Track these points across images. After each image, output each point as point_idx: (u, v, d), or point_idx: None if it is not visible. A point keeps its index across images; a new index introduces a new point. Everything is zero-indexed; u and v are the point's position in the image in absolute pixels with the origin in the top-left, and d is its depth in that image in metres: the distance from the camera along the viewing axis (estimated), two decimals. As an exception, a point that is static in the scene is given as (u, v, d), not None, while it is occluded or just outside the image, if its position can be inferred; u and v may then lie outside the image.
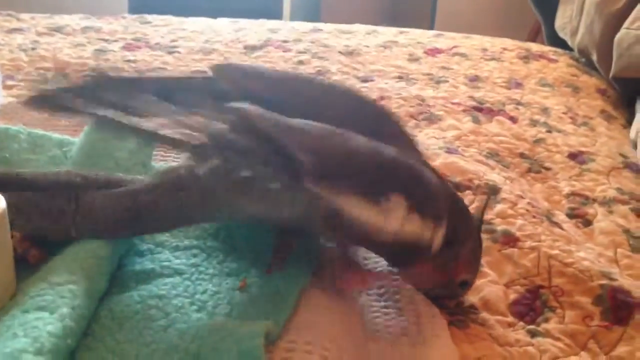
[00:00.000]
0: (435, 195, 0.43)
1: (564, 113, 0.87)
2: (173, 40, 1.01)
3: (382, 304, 0.47)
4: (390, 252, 0.44)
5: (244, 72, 0.50)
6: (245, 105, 0.42)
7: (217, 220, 0.50)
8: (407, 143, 0.50)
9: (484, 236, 0.51)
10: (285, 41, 1.05)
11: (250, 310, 0.42)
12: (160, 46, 0.99)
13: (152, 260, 0.47)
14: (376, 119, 0.49)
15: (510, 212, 0.60)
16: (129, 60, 0.91)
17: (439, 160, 0.68)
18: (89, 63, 0.89)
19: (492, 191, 0.63)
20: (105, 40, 0.99)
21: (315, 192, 0.40)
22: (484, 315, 0.48)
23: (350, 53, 1.02)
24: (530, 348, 0.46)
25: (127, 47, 0.97)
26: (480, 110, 0.85)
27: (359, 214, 0.41)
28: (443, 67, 0.98)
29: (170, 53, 0.96)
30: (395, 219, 0.41)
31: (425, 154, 0.51)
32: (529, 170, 0.72)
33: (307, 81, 0.55)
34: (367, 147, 0.43)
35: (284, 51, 1.00)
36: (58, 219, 0.44)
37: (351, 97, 0.52)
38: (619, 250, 0.60)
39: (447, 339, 0.44)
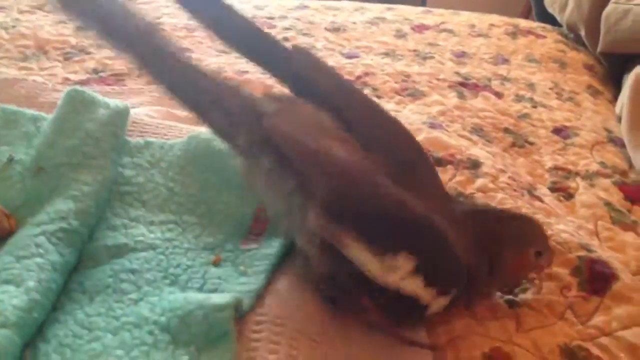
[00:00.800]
0: (449, 267, 0.40)
1: (550, 89, 0.87)
2: (157, 17, 1.00)
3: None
4: (382, 301, 0.40)
5: (318, 66, 0.50)
6: (277, 121, 0.41)
7: None
8: (439, 188, 0.47)
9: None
10: (270, 17, 1.04)
11: (223, 285, 0.42)
12: (144, 23, 0.97)
13: (125, 234, 0.46)
14: (415, 153, 0.47)
15: (491, 185, 0.60)
16: (110, 38, 0.90)
17: (422, 135, 0.67)
18: (70, 40, 0.87)
19: (474, 165, 0.63)
20: (88, 18, 0.98)
21: (322, 226, 0.39)
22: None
23: (336, 29, 1.01)
24: (507, 319, 0.46)
25: (110, 25, 0.96)
26: (466, 86, 0.84)
27: (361, 261, 0.38)
28: (430, 44, 0.97)
29: (153, 30, 0.95)
30: (396, 275, 0.39)
31: (454, 201, 0.49)
32: (513, 145, 0.72)
33: (367, 99, 0.53)
34: (393, 197, 0.40)
35: (269, 28, 0.99)
36: None
37: (399, 128, 0.50)
38: (599, 222, 0.60)
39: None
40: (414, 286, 0.39)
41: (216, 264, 0.44)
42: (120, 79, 0.77)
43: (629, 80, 0.82)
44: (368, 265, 0.39)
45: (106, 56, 0.83)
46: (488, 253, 0.43)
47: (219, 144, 0.53)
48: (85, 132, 0.50)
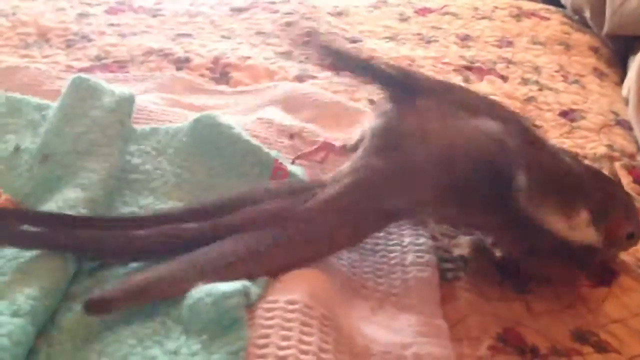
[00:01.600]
0: (608, 207, 0.47)
1: (555, 71, 0.86)
2: (157, 3, 0.99)
3: (375, 260, 0.47)
4: (573, 257, 0.47)
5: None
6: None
7: None
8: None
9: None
10: (272, 2, 1.03)
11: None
12: (144, 9, 0.97)
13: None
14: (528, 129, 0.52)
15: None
16: (112, 24, 0.89)
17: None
18: (71, 28, 0.87)
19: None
20: (88, 4, 0.97)
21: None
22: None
23: (339, 14, 1.00)
24: (516, 302, 0.46)
25: (110, 11, 0.95)
26: (471, 70, 0.83)
27: (556, 228, 0.45)
28: (433, 27, 0.96)
29: (154, 16, 0.94)
30: (581, 233, 0.45)
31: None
32: (519, 129, 0.71)
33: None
34: (562, 165, 0.47)
35: (271, 12, 0.98)
36: None
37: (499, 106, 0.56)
38: (608, 207, 0.60)
39: (437, 307, 0.44)
40: (591, 237, 0.46)
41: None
42: (123, 66, 0.76)
43: (635, 63, 0.81)
44: (562, 231, 0.45)
45: (109, 43, 0.82)
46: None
47: (224, 127, 0.52)
48: (91, 120, 0.50)
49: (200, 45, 0.83)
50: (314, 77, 0.76)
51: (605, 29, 0.94)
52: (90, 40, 0.83)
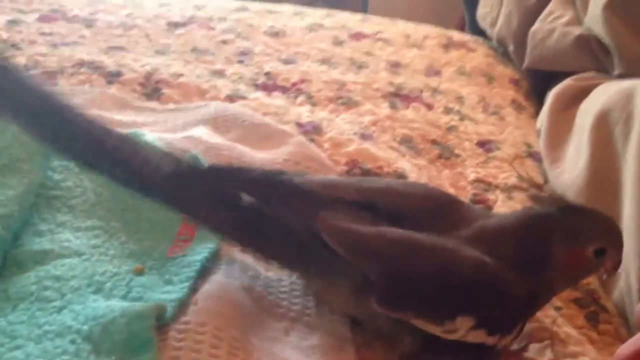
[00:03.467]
0: (505, 312, 0.42)
1: (477, 102, 0.91)
2: (92, 13, 0.98)
3: (292, 281, 0.49)
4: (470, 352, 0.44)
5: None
6: (326, 215, 0.43)
7: None
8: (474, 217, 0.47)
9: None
10: (210, 19, 1.04)
11: (148, 293, 0.43)
12: (79, 18, 0.96)
13: (51, 240, 0.46)
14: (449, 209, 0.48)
15: (415, 198, 0.63)
16: (43, 33, 0.88)
17: (352, 147, 0.70)
18: (1, 35, 0.85)
19: (400, 178, 0.66)
20: (21, 11, 0.95)
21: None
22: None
23: (275, 34, 1.02)
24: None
25: (43, 19, 0.94)
26: (398, 96, 0.87)
27: (426, 329, 0.42)
28: (366, 53, 1.00)
29: (88, 27, 0.94)
30: (458, 334, 0.42)
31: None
32: (440, 157, 0.75)
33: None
34: (442, 266, 0.42)
35: (207, 29, 0.99)
36: None
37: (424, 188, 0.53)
38: (514, 235, 0.64)
39: (347, 329, 0.45)
40: (478, 338, 0.42)
41: (138, 272, 0.45)
42: (51, 77, 0.76)
43: (548, 98, 0.87)
44: (432, 331, 0.42)
45: (39, 52, 0.81)
46: (533, 260, 0.43)
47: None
48: (11, 134, 0.50)
49: (133, 59, 0.83)
50: (244, 98, 0.78)
51: (526, 62, 1.00)
52: (19, 48, 0.82)
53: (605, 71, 0.89)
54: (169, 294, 0.42)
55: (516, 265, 0.42)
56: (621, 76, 0.85)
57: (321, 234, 0.42)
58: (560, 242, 0.42)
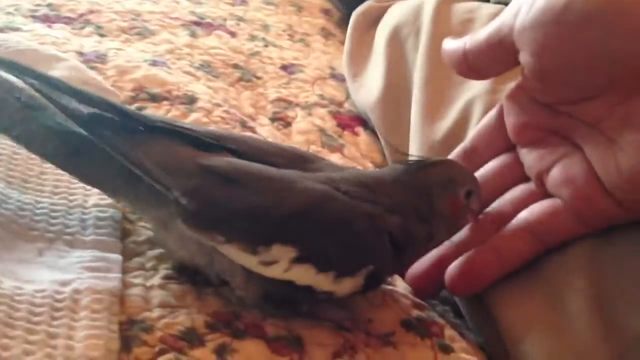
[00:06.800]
0: (342, 247, 0.38)
1: (283, 30, 0.90)
2: None
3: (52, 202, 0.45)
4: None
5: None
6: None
7: None
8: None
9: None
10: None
11: None
12: None
13: None
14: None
15: (204, 120, 0.60)
16: None
17: (139, 73, 0.65)
18: None
19: (190, 101, 0.63)
20: None
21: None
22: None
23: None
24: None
25: None
26: (200, 25, 0.83)
27: (243, 263, 0.38)
28: (167, -16, 0.94)
29: None
30: (278, 268, 0.37)
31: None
32: (240, 80, 0.73)
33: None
34: (266, 190, 0.38)
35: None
36: None
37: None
38: (312, 146, 0.64)
39: (115, 243, 0.43)
40: (305, 276, 0.38)
41: None
42: None
43: (351, 18, 0.87)
44: (248, 265, 0.37)
45: None
46: (419, 208, 0.41)
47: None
48: None
49: None
50: (18, 30, 0.70)
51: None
52: None
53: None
54: None
55: (394, 211, 0.40)
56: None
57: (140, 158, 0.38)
58: (439, 192, 0.42)
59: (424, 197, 0.41)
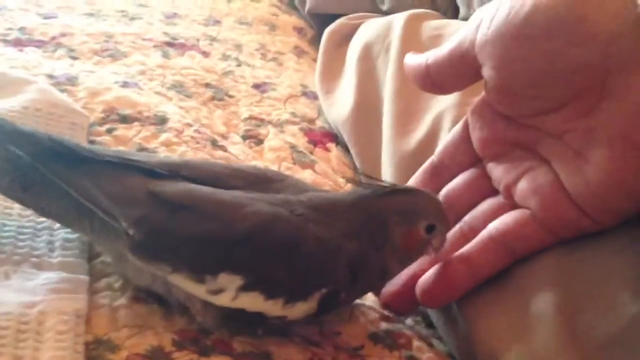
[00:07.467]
0: (292, 272, 0.38)
1: (256, 49, 0.90)
2: None
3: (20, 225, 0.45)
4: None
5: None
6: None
7: None
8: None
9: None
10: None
11: None
12: None
13: None
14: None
15: (174, 140, 0.61)
16: None
17: (110, 95, 0.66)
18: None
19: (160, 121, 0.63)
20: None
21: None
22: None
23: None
24: None
25: None
26: (172, 46, 0.84)
27: (192, 292, 0.38)
28: (140, 5, 0.95)
29: None
30: (226, 296, 0.37)
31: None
32: (213, 99, 0.74)
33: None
34: (211, 216, 0.38)
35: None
36: None
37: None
38: (283, 163, 0.64)
39: (82, 264, 0.43)
40: (254, 303, 0.37)
41: None
42: None
43: (323, 36, 0.88)
44: (197, 294, 0.37)
45: None
46: (374, 235, 0.40)
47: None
48: None
49: None
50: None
51: (307, 6, 1.01)
52: None
53: (379, 11, 0.93)
54: None
55: (350, 236, 0.39)
56: (387, 12, 0.89)
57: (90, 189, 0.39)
58: (395, 222, 0.41)
59: (379, 225, 0.40)
